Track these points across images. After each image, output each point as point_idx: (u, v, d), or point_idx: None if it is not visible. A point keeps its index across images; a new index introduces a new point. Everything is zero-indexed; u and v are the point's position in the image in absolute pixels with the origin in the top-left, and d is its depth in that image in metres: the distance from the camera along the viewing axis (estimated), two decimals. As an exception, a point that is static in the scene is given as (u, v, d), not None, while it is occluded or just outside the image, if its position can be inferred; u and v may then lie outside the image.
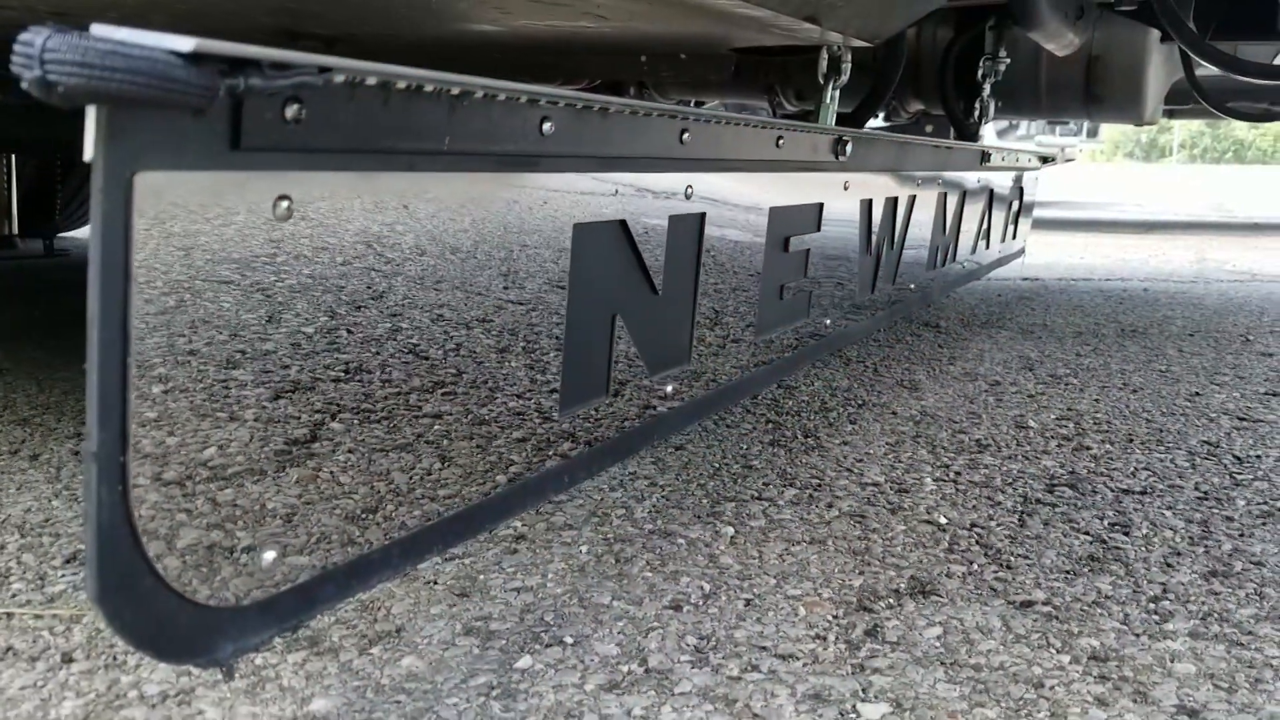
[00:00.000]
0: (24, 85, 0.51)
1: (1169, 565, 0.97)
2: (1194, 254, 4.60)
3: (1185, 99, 3.79)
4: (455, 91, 0.73)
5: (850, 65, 1.61)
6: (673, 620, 0.85)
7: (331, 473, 0.71)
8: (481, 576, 0.94)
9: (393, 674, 0.76)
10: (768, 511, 1.11)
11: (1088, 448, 1.37)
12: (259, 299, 0.64)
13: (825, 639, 0.82)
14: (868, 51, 1.78)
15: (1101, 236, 5.41)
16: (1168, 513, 1.11)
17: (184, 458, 0.61)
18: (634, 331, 1.10)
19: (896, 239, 2.01)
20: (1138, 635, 0.83)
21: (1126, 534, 1.05)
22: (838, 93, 1.63)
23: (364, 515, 0.75)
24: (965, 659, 0.79)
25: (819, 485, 1.20)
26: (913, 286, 2.23)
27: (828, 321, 1.74)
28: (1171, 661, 0.79)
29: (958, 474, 1.25)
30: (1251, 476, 1.25)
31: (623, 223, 1.05)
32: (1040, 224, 3.81)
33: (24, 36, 0.51)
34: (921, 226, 2.20)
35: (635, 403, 1.12)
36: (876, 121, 4.78)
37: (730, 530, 1.05)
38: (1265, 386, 1.77)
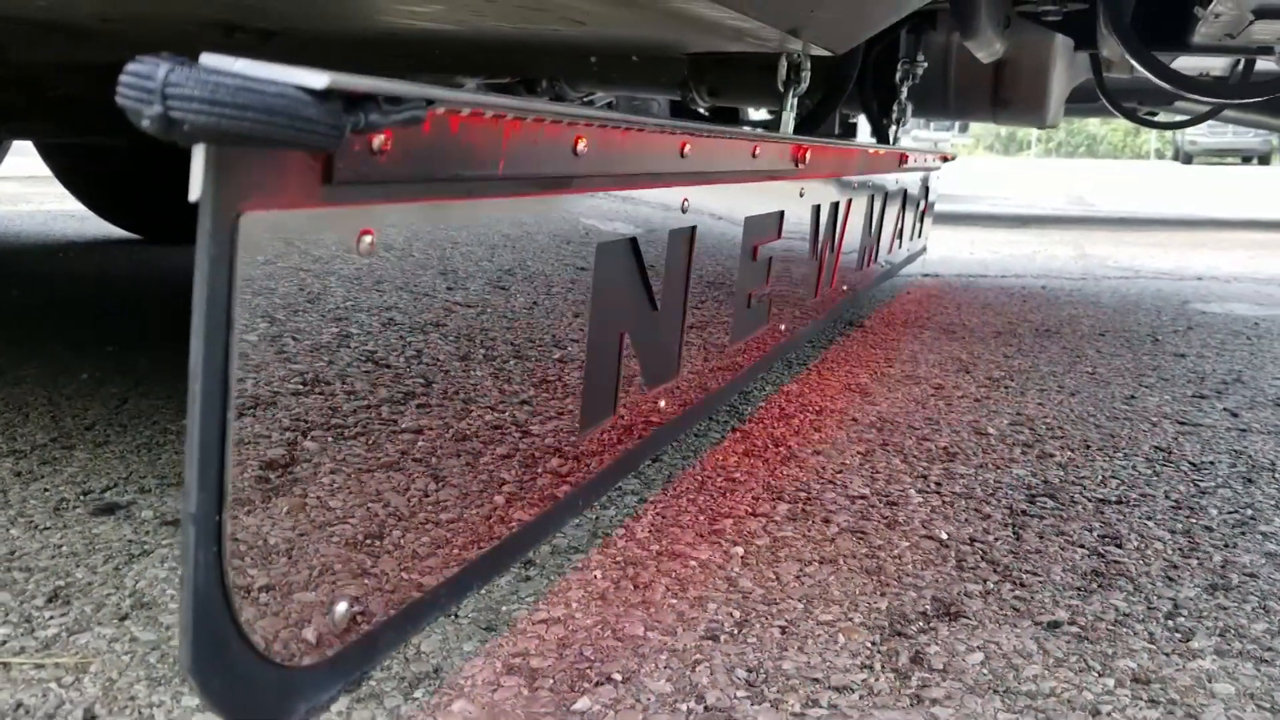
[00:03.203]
0: (142, 123, 0.46)
1: (1171, 579, 1.00)
2: (1074, 249, 4.78)
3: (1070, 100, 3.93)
4: (531, 118, 0.70)
5: (809, 73, 1.61)
6: (714, 652, 0.84)
7: (399, 508, 0.68)
8: (503, 608, 0.91)
9: (448, 721, 0.73)
10: (768, 529, 1.10)
11: (1050, 455, 1.40)
12: (359, 342, 0.61)
13: (873, 668, 0.82)
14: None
15: (982, 231, 5.58)
16: (1150, 523, 1.15)
17: (272, 512, 0.58)
18: (638, 348, 1.08)
19: (837, 242, 2.04)
20: (1168, 655, 0.85)
21: (1120, 546, 1.08)
22: (796, 100, 1.63)
23: (420, 554, 0.72)
24: (1016, 686, 0.80)
25: (808, 499, 1.20)
26: (845, 288, 2.26)
27: (783, 326, 1.75)
28: (1210, 682, 0.81)
29: (938, 484, 1.26)
30: (1213, 484, 1.30)
31: (634, 240, 1.03)
32: (935, 220, 3.92)
33: (138, 68, 0.47)
34: (855, 229, 2.23)
35: (637, 419, 1.11)
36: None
37: (740, 550, 1.04)
38: (1190, 389, 1.84)
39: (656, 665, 0.81)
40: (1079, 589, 0.98)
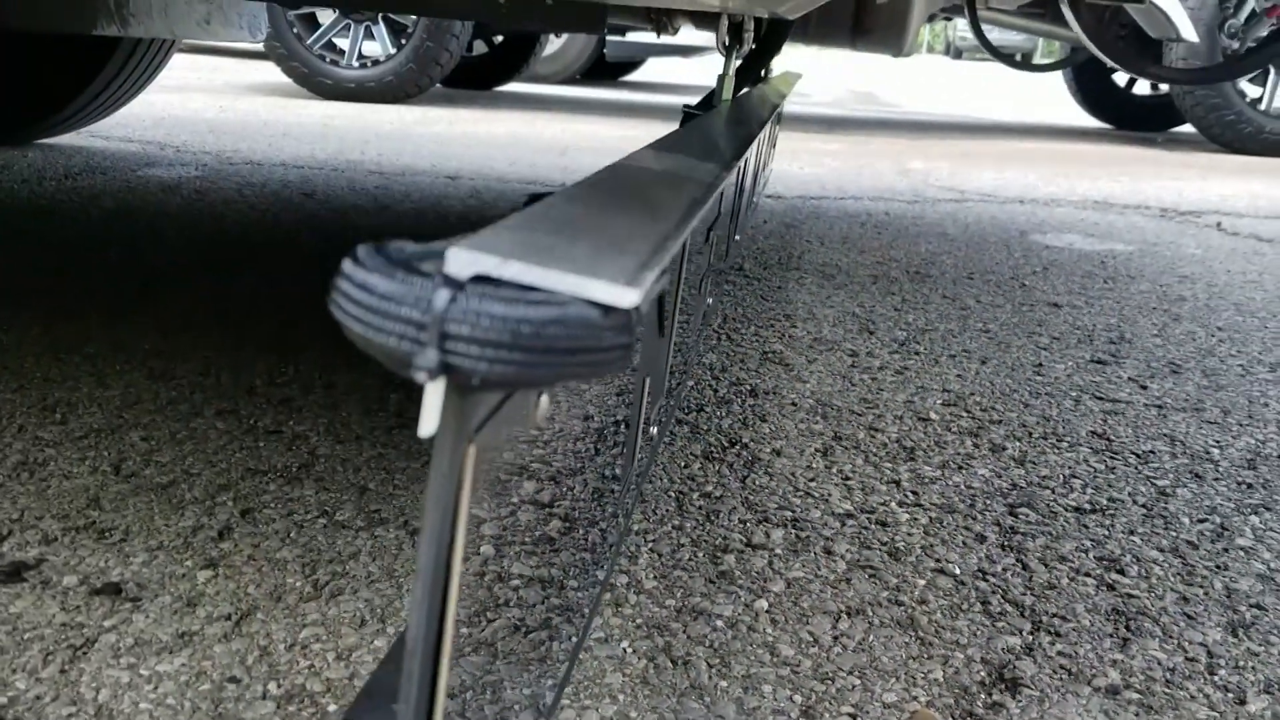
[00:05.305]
0: (413, 374, 0.34)
1: (1190, 618, 1.00)
2: (892, 163, 4.87)
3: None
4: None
5: (752, 34, 1.51)
6: (799, 758, 0.77)
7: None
8: (542, 702, 0.81)
9: None
10: (775, 567, 1.04)
11: (1002, 448, 1.39)
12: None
13: (968, 769, 0.78)
14: None
15: (797, 137, 5.60)
16: (1135, 540, 1.15)
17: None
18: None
19: (748, 189, 1.97)
20: (1235, 725, 0.85)
21: (1123, 574, 1.07)
22: (738, 63, 1.52)
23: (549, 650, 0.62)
24: (1118, 784, 0.77)
25: (795, 521, 1.14)
26: (739, 237, 2.20)
27: (710, 300, 1.67)
28: (1292, 762, 0.81)
29: (915, 495, 1.23)
30: (1167, 482, 1.31)
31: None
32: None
33: (391, 287, 0.34)
34: (752, 169, 2.17)
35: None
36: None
37: (762, 604, 0.97)
38: (1085, 351, 1.88)
39: (748, 784, 0.74)
40: (1112, 637, 0.96)
